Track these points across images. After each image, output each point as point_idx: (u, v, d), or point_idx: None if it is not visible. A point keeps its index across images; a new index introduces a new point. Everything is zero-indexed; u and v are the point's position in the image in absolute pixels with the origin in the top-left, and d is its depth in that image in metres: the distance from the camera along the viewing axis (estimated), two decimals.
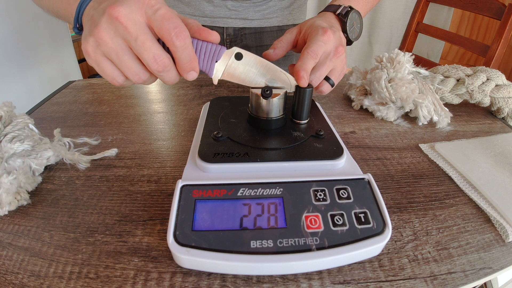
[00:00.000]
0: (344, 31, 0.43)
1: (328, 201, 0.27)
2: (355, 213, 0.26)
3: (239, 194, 0.27)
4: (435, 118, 0.46)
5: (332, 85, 0.39)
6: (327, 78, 0.38)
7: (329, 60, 0.37)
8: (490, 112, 0.52)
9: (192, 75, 0.30)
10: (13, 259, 0.26)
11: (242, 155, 0.31)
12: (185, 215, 0.26)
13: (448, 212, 0.32)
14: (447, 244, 0.28)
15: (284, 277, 0.25)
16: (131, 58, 0.28)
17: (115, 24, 0.26)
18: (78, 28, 0.32)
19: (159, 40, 0.28)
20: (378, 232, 0.25)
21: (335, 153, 0.32)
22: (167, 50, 0.28)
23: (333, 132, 0.36)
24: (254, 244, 0.24)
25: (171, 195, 0.33)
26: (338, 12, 0.44)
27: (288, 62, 0.75)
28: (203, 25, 0.31)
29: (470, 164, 0.38)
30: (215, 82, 0.33)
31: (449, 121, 0.47)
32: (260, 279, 0.25)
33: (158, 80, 0.31)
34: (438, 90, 0.49)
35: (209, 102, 0.44)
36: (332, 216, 0.26)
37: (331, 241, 0.24)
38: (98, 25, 0.26)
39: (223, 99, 0.44)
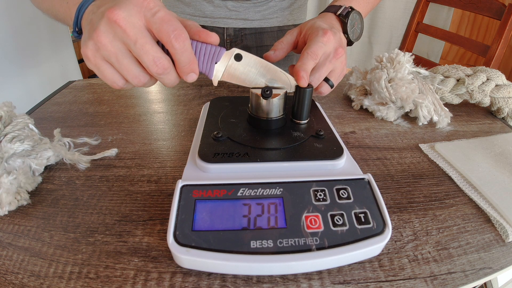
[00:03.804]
0: (345, 31, 0.43)
1: (328, 201, 0.27)
2: (355, 213, 0.26)
3: (239, 194, 0.27)
4: (435, 118, 0.46)
5: (332, 86, 0.39)
6: (326, 79, 0.38)
7: (328, 61, 0.37)
8: (490, 112, 0.52)
9: (192, 77, 0.30)
10: (13, 259, 0.26)
11: (242, 155, 0.31)
12: (185, 215, 0.26)
13: (448, 212, 0.32)
14: (447, 244, 0.28)
15: (284, 277, 0.25)
16: (131, 61, 0.28)
17: (114, 27, 0.26)
18: (77, 32, 0.32)
19: (158, 43, 0.28)
20: (378, 232, 0.25)
21: (335, 153, 0.32)
22: (167, 52, 0.28)
23: (333, 132, 0.36)
24: (254, 244, 0.24)
25: (171, 195, 0.33)
26: (338, 12, 0.44)
27: (288, 63, 0.75)
28: (203, 26, 0.31)
29: (470, 164, 0.38)
30: (215, 83, 0.33)
31: (449, 121, 0.47)
32: (260, 279, 0.25)
33: (158, 81, 0.31)
34: (438, 90, 0.49)
35: (209, 102, 0.44)
36: (332, 216, 0.26)
37: (331, 241, 0.24)
38: (97, 29, 0.26)
39: (223, 99, 0.44)
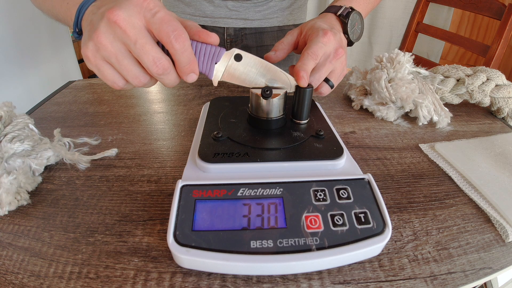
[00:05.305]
0: (345, 32, 0.43)
1: (328, 201, 0.27)
2: (355, 213, 0.26)
3: (239, 194, 0.27)
4: (435, 118, 0.46)
5: (332, 87, 0.39)
6: (326, 80, 0.38)
7: (328, 62, 0.37)
8: (490, 112, 0.52)
9: (192, 77, 0.31)
10: (13, 259, 0.26)
11: (242, 155, 0.31)
12: (185, 215, 0.26)
13: (448, 212, 0.32)
14: (447, 244, 0.28)
15: (284, 277, 0.25)
16: (131, 61, 0.28)
17: (114, 28, 0.26)
18: (78, 32, 0.32)
19: (158, 43, 0.28)
20: (378, 232, 0.25)
21: (335, 153, 0.32)
22: (167, 52, 0.28)
23: (333, 132, 0.36)
24: (254, 244, 0.24)
25: (171, 195, 0.33)
26: (339, 13, 0.44)
27: (289, 63, 0.75)
28: (203, 26, 0.31)
29: (470, 164, 0.38)
30: (215, 83, 0.33)
31: (449, 121, 0.47)
32: (260, 279, 0.25)
33: (158, 81, 0.32)
34: (438, 90, 0.49)
35: (209, 102, 0.44)
36: (332, 216, 0.26)
37: (331, 241, 0.24)
38: (97, 30, 0.26)
39: (223, 99, 0.44)
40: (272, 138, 0.34)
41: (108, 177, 0.36)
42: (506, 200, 0.32)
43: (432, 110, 0.46)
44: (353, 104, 0.53)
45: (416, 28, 1.16)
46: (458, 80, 0.50)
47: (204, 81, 0.63)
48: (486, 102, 0.49)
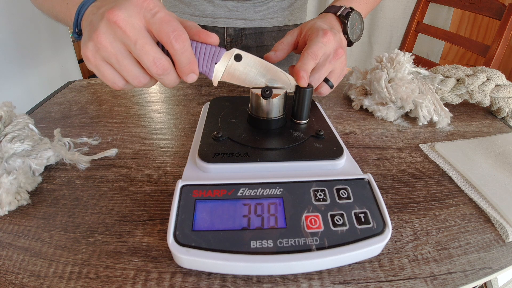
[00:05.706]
0: (345, 32, 0.43)
1: (328, 201, 0.27)
2: (355, 213, 0.26)
3: (239, 194, 0.27)
4: (435, 118, 0.46)
5: (331, 87, 0.39)
6: (326, 80, 0.38)
7: (328, 62, 0.37)
8: (490, 112, 0.52)
9: (192, 78, 0.31)
10: (13, 259, 0.26)
11: (242, 155, 0.31)
12: (185, 215, 0.26)
13: (448, 212, 0.32)
14: (447, 244, 0.28)
15: (284, 277, 0.25)
16: (131, 62, 0.28)
17: (114, 28, 0.26)
18: (77, 33, 0.32)
19: (158, 44, 0.28)
20: (378, 232, 0.25)
21: (335, 153, 0.32)
22: (167, 53, 0.28)
23: (333, 132, 0.36)
24: (254, 244, 0.24)
25: (171, 195, 0.33)
26: (339, 13, 0.44)
27: (289, 63, 0.75)
28: (203, 26, 0.31)
29: (470, 164, 0.38)
30: (215, 83, 0.33)
31: (449, 121, 0.47)
32: (260, 279, 0.25)
33: (158, 81, 0.32)
34: (438, 90, 0.49)
35: (209, 102, 0.44)
36: (332, 216, 0.26)
37: (331, 241, 0.24)
38: (97, 30, 0.26)
39: (223, 99, 0.44)
40: (272, 138, 0.34)
41: (108, 177, 0.36)
42: (506, 200, 0.32)
43: (432, 110, 0.46)
44: (353, 104, 0.53)
45: (416, 28, 1.16)
46: (458, 80, 0.50)
47: (204, 81, 0.63)
48: (486, 102, 0.49)
